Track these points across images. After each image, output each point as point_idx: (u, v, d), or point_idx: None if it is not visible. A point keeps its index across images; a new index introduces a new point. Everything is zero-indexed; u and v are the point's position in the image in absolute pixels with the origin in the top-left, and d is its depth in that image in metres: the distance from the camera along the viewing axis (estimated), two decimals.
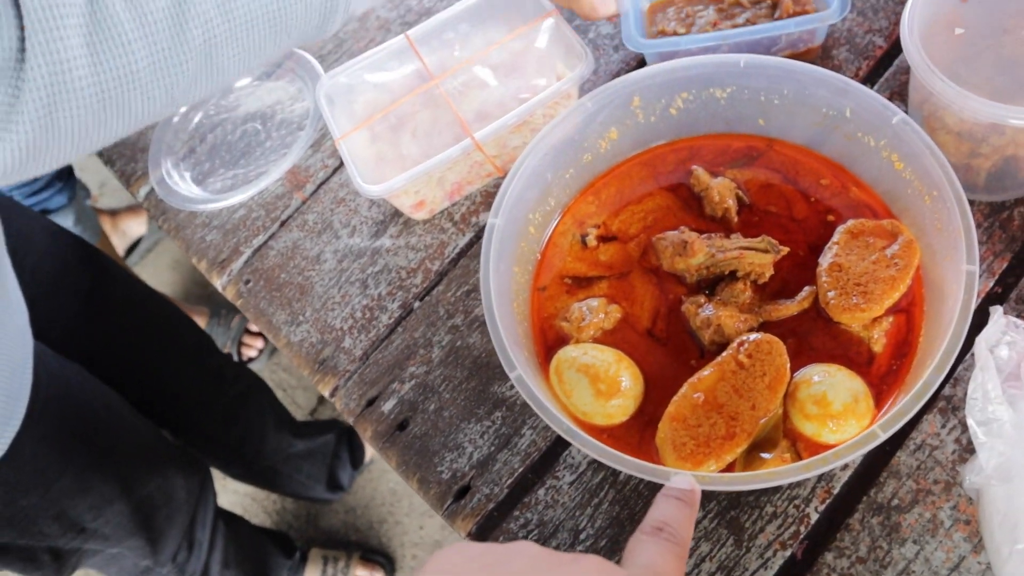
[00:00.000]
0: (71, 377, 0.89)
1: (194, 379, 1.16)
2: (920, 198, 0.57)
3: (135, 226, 1.84)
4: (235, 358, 1.64)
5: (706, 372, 0.55)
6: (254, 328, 1.67)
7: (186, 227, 0.86)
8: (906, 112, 0.62)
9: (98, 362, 0.98)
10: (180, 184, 0.87)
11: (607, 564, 0.38)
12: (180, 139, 0.91)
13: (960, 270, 0.51)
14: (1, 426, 0.73)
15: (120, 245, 1.80)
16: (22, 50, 0.44)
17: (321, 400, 1.63)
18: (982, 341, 0.48)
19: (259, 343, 1.67)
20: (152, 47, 0.49)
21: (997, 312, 0.50)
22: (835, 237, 0.60)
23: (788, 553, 0.58)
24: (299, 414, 1.61)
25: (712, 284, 0.61)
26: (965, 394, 0.51)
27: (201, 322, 1.63)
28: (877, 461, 0.60)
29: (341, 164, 0.84)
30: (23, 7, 0.44)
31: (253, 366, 1.64)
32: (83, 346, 0.97)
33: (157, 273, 1.81)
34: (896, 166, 0.58)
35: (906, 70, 0.73)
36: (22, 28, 0.44)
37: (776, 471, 0.48)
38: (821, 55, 0.76)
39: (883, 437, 0.47)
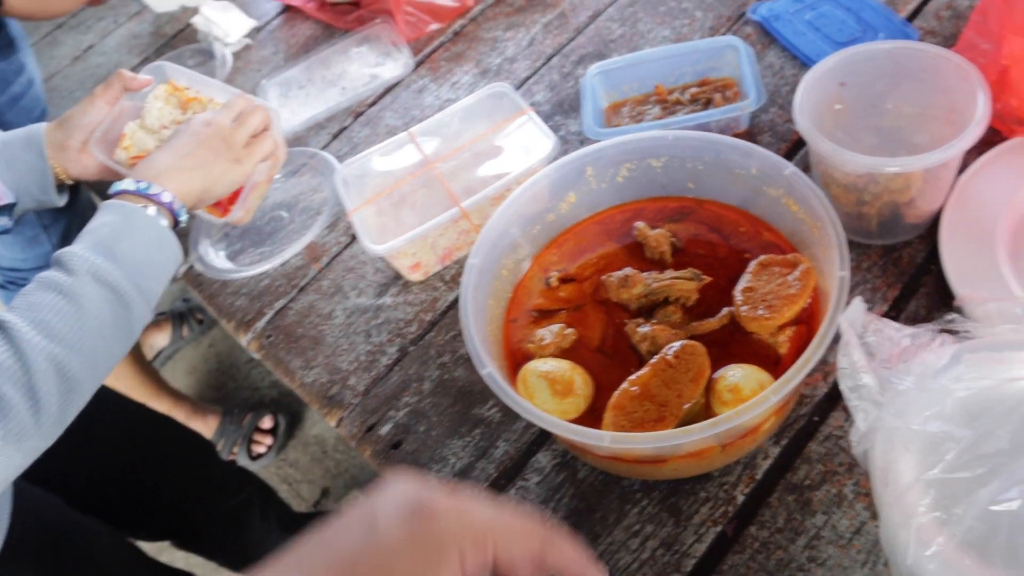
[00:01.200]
0: (49, 512, 0.94)
1: (198, 492, 1.23)
2: (811, 231, 0.71)
3: (159, 339, 1.99)
4: (245, 455, 1.74)
5: (642, 371, 0.68)
6: (264, 426, 1.78)
7: (219, 295, 1.00)
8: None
9: (83, 487, 1.03)
10: (215, 260, 1.03)
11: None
12: (216, 225, 1.07)
13: (836, 276, 0.65)
14: None
15: (145, 355, 1.94)
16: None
17: (324, 492, 1.73)
18: (844, 320, 0.61)
19: (268, 440, 1.78)
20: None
21: (857, 300, 0.62)
22: (749, 268, 0.73)
23: (719, 529, 0.69)
24: (303, 506, 1.70)
25: (650, 310, 0.75)
26: None
27: (214, 421, 1.74)
28: (792, 451, 0.71)
29: (353, 240, 0.99)
30: None
31: (262, 462, 1.75)
32: (79, 472, 1.02)
33: (175, 378, 1.94)
34: (792, 208, 0.73)
35: None
36: None
37: (687, 429, 0.60)
38: (747, 139, 0.91)
39: (773, 400, 0.60)
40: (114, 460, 1.11)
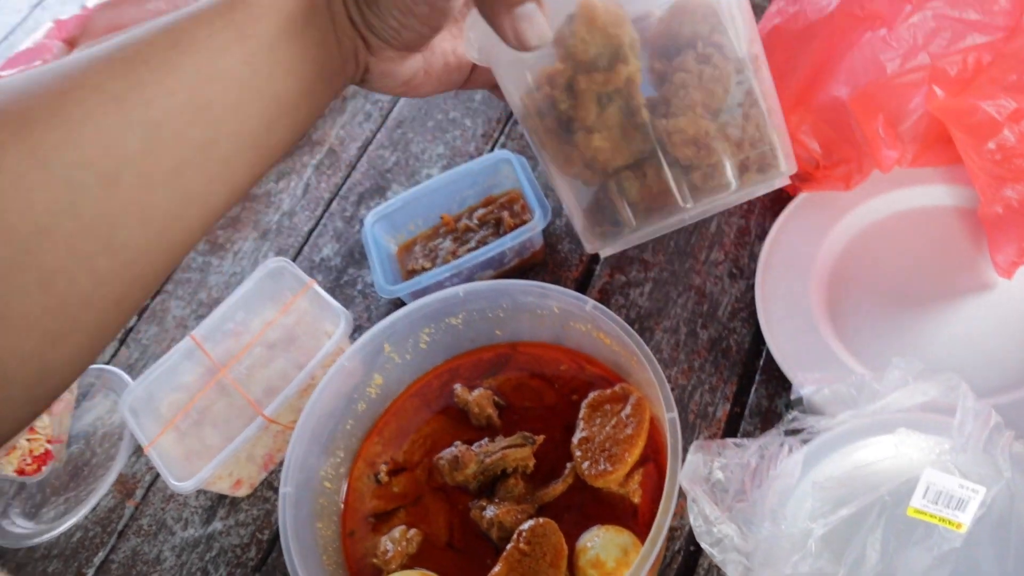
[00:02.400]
0: None
1: None
2: (629, 362, 0.67)
3: None
4: None
5: (496, 569, 0.62)
6: None
7: (27, 564, 0.88)
8: None
9: None
10: (14, 524, 0.90)
11: None
12: (8, 479, 0.94)
13: (665, 418, 0.61)
14: None
15: None
16: None
17: None
18: (684, 479, 0.57)
19: None
20: None
21: (693, 447, 0.59)
22: (580, 413, 0.68)
23: None
24: None
25: (492, 485, 0.69)
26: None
27: None
28: None
29: None
30: None
31: None
32: None
33: None
34: (605, 342, 0.69)
35: None
36: None
37: None
38: (548, 252, 0.88)
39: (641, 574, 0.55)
40: None
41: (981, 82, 0.64)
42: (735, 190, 0.47)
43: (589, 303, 0.67)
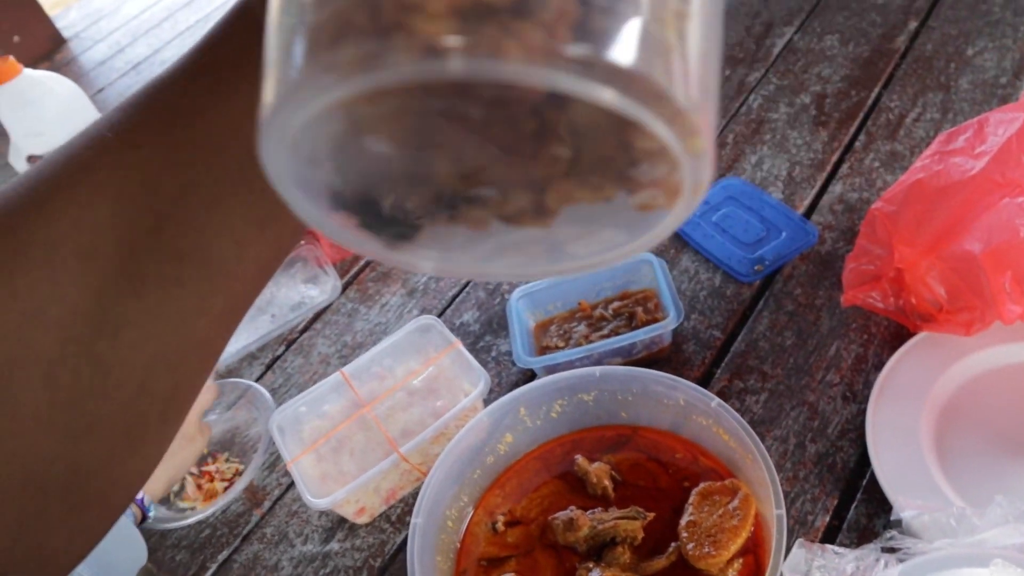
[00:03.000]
0: None
1: None
2: (744, 461, 0.73)
3: None
4: None
5: None
6: None
7: (156, 550, 0.97)
8: None
9: None
10: (150, 508, 1.00)
11: None
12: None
13: (774, 514, 0.66)
14: None
15: None
16: None
17: None
18: (787, 569, 0.62)
19: None
20: None
21: (797, 543, 0.64)
22: (690, 499, 0.74)
23: None
24: None
25: (600, 550, 0.75)
26: None
27: None
28: None
29: (293, 482, 0.98)
30: None
31: None
32: None
33: None
34: (724, 438, 0.75)
35: (741, 352, 0.92)
36: None
37: None
38: (673, 350, 0.95)
39: None
40: None
41: None
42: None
43: (715, 400, 0.74)
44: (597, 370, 0.80)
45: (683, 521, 0.73)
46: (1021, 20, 1.21)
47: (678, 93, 0.20)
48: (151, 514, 0.84)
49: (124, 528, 0.80)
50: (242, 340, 1.18)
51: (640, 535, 0.74)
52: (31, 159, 1.38)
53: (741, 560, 0.71)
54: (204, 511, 0.97)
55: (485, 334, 1.05)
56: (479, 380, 0.88)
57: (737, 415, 0.72)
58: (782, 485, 0.80)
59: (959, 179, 0.73)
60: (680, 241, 1.08)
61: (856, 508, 0.79)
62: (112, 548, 0.78)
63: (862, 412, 0.84)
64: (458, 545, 0.79)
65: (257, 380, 1.12)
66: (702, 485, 0.75)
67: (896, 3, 1.33)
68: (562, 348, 0.95)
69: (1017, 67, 1.15)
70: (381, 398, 0.92)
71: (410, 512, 0.91)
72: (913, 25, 1.28)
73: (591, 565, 0.73)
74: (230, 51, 0.33)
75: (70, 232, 0.32)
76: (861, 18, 1.33)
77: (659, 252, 1.05)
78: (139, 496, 0.83)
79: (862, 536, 0.76)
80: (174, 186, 0.33)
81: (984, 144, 0.73)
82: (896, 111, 1.16)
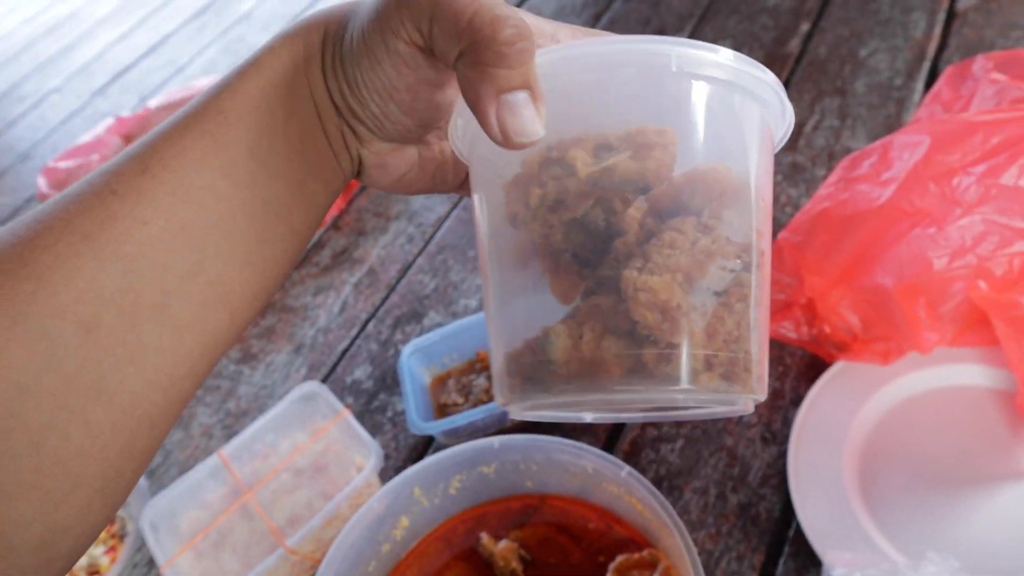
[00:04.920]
0: None
1: None
2: (660, 531, 0.66)
3: None
4: None
5: None
6: None
7: None
8: None
9: None
10: None
11: None
12: None
13: None
14: None
15: None
16: None
17: None
18: None
19: None
20: None
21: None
22: None
23: None
24: None
25: None
26: None
27: None
28: None
29: None
30: None
31: None
32: None
33: None
34: (637, 507, 0.68)
35: None
36: None
37: None
38: None
39: None
40: None
41: None
42: (686, 389, 0.36)
43: (625, 469, 0.67)
44: (496, 441, 0.72)
45: None
46: (909, 18, 1.19)
47: (762, 392, 0.39)
48: None
49: None
50: None
51: None
52: None
53: None
54: None
55: (379, 392, 0.97)
56: (371, 454, 0.80)
57: (648, 484, 0.66)
58: (705, 542, 0.75)
59: (866, 208, 0.68)
60: None
61: (784, 563, 0.73)
62: None
63: (783, 454, 0.78)
64: None
65: None
66: (619, 559, 0.69)
67: (787, 5, 1.29)
68: (461, 404, 0.87)
69: (909, 68, 1.12)
70: (265, 481, 0.83)
71: None
72: (805, 28, 1.24)
73: None
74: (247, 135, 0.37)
75: (72, 305, 0.33)
76: (753, 22, 1.29)
77: None
78: None
79: None
80: (183, 267, 0.35)
81: (889, 171, 0.68)
82: (795, 119, 1.12)
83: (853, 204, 0.69)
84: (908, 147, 0.67)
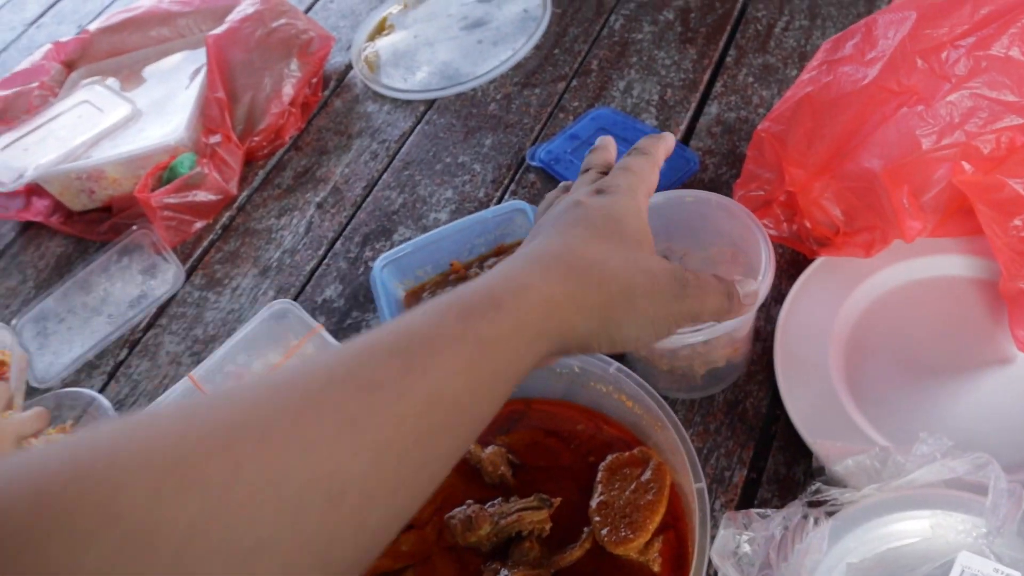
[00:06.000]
0: None
1: None
2: (652, 428, 0.66)
3: None
4: None
5: None
6: None
7: None
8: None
9: None
10: None
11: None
12: None
13: (693, 488, 0.59)
14: None
15: None
16: None
17: None
18: (715, 554, 0.56)
19: None
20: None
21: (723, 520, 0.57)
22: (598, 476, 0.67)
23: None
24: None
25: (505, 547, 0.67)
26: None
27: None
28: None
29: None
30: None
31: None
32: None
33: None
34: (627, 404, 0.67)
35: None
36: None
37: None
38: None
39: None
40: None
41: (1012, 162, 0.64)
42: None
43: (613, 365, 0.66)
44: None
45: (593, 503, 0.65)
46: None
47: None
48: None
49: None
50: (77, 347, 1.03)
51: (548, 525, 0.66)
52: None
53: (661, 538, 0.64)
54: None
55: (352, 310, 0.94)
56: None
57: (638, 378, 0.65)
58: (694, 440, 0.74)
59: (851, 90, 0.66)
60: (554, 182, 0.99)
61: (774, 457, 0.73)
62: None
63: (767, 351, 0.78)
64: None
65: (100, 392, 0.98)
66: (609, 458, 0.68)
67: None
68: None
69: None
70: None
71: None
72: None
73: (497, 566, 0.65)
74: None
75: (324, 479, 0.36)
76: None
77: (531, 199, 0.96)
78: None
79: (783, 487, 0.71)
80: (416, 460, 0.40)
81: (874, 49, 0.66)
82: (764, 21, 1.09)
83: (837, 87, 0.68)
84: (894, 24, 0.65)
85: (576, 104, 1.07)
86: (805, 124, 0.72)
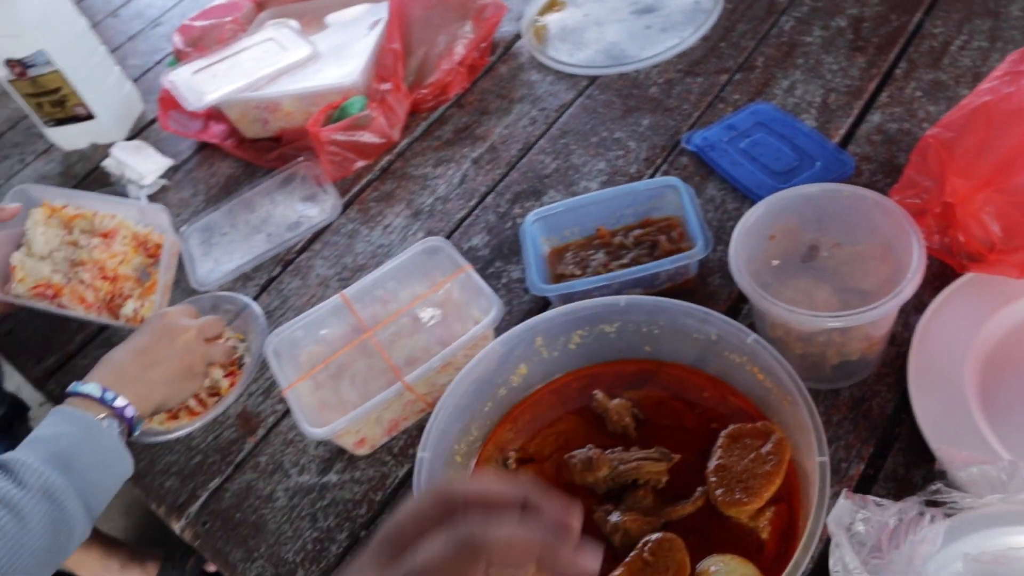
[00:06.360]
0: None
1: None
2: (781, 403, 0.67)
3: None
4: None
5: (617, 572, 0.63)
6: (210, 568, 1.67)
7: (145, 475, 0.92)
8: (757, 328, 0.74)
9: None
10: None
11: None
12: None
13: (815, 462, 0.61)
14: None
15: None
16: None
17: None
18: (832, 521, 0.57)
19: None
20: None
21: (844, 494, 0.59)
22: (718, 442, 0.69)
23: None
24: None
25: (619, 493, 0.70)
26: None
27: (153, 568, 1.63)
28: None
29: (289, 409, 0.93)
30: None
31: None
32: None
33: (110, 519, 1.82)
34: (758, 377, 0.69)
35: None
36: None
37: None
38: (699, 283, 0.89)
39: None
40: None
41: None
42: None
43: (751, 336, 0.68)
44: (622, 299, 0.73)
45: (711, 464, 0.68)
46: None
47: None
48: (136, 431, 0.80)
49: (110, 440, 0.76)
50: (236, 259, 1.11)
51: (664, 478, 0.69)
52: (9, 63, 1.29)
53: (773, 508, 0.66)
54: (191, 425, 0.92)
55: (495, 259, 0.99)
56: (491, 307, 0.82)
57: (775, 352, 0.67)
58: None
59: None
60: (705, 168, 1.01)
61: (894, 457, 0.74)
62: (97, 461, 0.74)
63: (901, 356, 0.78)
64: None
65: (255, 298, 1.05)
66: (731, 427, 0.70)
67: None
68: (578, 277, 0.89)
69: None
70: (384, 323, 0.86)
71: (413, 445, 0.86)
72: None
73: (610, 508, 0.68)
74: None
75: None
76: None
77: (684, 179, 0.98)
78: (131, 415, 0.79)
79: (900, 487, 0.71)
80: None
81: None
82: (940, 38, 1.08)
83: (1019, 98, 0.68)
84: None
85: (736, 97, 1.09)
86: (977, 133, 0.72)
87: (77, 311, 1.00)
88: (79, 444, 0.74)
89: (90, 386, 0.80)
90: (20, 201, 1.03)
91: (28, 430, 1.43)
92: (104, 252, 1.01)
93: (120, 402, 0.79)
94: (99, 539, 1.61)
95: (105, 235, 1.02)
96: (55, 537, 0.69)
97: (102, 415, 0.78)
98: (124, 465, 0.78)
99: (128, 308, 0.99)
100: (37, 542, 0.67)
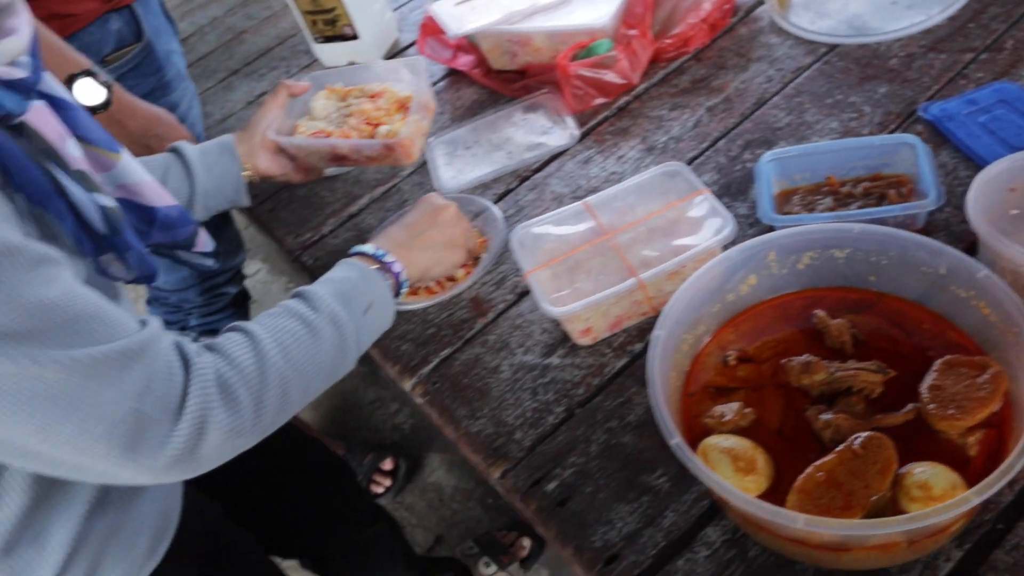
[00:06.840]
0: (211, 517, 1.00)
1: (335, 517, 1.28)
2: (1003, 335, 0.72)
3: None
4: None
5: (828, 457, 0.70)
6: (385, 467, 1.83)
7: (383, 339, 1.05)
8: None
9: (238, 499, 1.10)
10: None
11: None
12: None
13: None
14: (144, 560, 0.84)
15: None
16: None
17: (438, 539, 1.76)
18: None
19: (387, 481, 1.83)
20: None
21: None
22: (935, 366, 0.74)
23: None
24: (416, 550, 1.74)
25: (831, 398, 0.76)
26: None
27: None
28: (976, 557, 0.71)
29: (519, 298, 1.04)
30: None
31: (379, 502, 1.80)
32: (237, 483, 1.05)
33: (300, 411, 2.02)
34: (983, 311, 0.74)
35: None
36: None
37: (883, 520, 0.61)
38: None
39: (974, 502, 0.60)
40: (265, 475, 1.15)
41: None
42: None
43: (983, 270, 0.73)
44: (856, 226, 0.79)
45: (925, 383, 0.73)
46: None
47: None
48: (402, 292, 0.93)
49: (382, 289, 0.90)
50: (477, 171, 1.24)
51: (879, 389, 0.75)
52: None
53: (983, 431, 0.71)
54: (428, 301, 1.05)
55: (722, 196, 1.06)
56: (725, 227, 0.89)
57: (1006, 287, 0.71)
58: None
59: None
60: (939, 136, 1.04)
61: None
62: (369, 305, 0.86)
63: None
64: (688, 368, 0.82)
65: (496, 202, 1.17)
66: (949, 356, 0.75)
67: None
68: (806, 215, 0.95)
69: None
70: (622, 229, 0.96)
71: (632, 342, 0.95)
72: None
73: (823, 407, 0.75)
74: None
75: None
76: None
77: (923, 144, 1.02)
78: (398, 271, 0.91)
79: None
80: None
81: None
82: None
83: None
84: None
85: (980, 75, 1.11)
86: None
87: (341, 142, 1.13)
88: (357, 286, 0.87)
89: (368, 246, 0.93)
90: (311, 83, 1.20)
91: (250, 314, 1.61)
92: (369, 105, 1.17)
93: (390, 259, 0.92)
94: (298, 418, 1.79)
95: (373, 96, 1.18)
96: (336, 359, 0.82)
97: (375, 267, 0.91)
98: (389, 313, 0.91)
99: (382, 129, 1.12)
100: (324, 358, 0.80)
